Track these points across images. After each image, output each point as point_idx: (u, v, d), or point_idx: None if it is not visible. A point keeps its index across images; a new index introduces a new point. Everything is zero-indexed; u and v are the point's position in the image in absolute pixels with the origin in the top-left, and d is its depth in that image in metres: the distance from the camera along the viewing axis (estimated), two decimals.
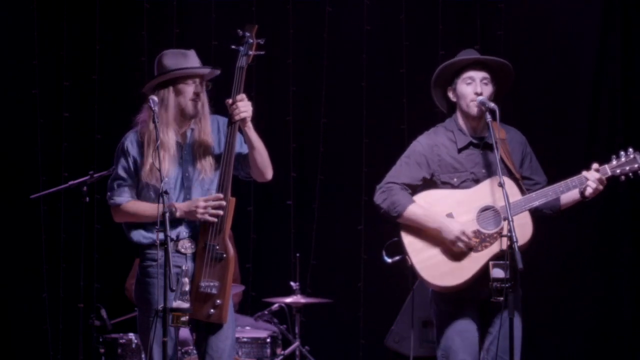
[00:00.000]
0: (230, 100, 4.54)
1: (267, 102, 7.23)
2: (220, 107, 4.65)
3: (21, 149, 7.20)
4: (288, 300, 6.42)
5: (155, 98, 4.51)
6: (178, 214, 4.50)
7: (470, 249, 4.67)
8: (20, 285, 7.15)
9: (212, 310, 4.51)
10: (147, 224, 4.59)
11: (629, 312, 6.93)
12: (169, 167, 4.57)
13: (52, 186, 6.32)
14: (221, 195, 4.53)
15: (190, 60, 4.64)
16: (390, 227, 4.86)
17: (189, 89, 4.61)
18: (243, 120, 4.53)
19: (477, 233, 4.68)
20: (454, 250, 4.69)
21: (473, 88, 4.78)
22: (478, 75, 4.79)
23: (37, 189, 6.62)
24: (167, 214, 4.30)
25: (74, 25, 7.29)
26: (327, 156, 7.23)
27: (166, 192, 4.34)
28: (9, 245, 7.13)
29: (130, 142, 4.65)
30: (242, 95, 4.54)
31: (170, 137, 4.57)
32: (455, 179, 4.80)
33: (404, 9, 7.17)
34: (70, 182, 5.92)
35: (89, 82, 7.26)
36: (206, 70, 4.65)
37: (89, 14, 7.26)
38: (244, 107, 4.52)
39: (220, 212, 4.52)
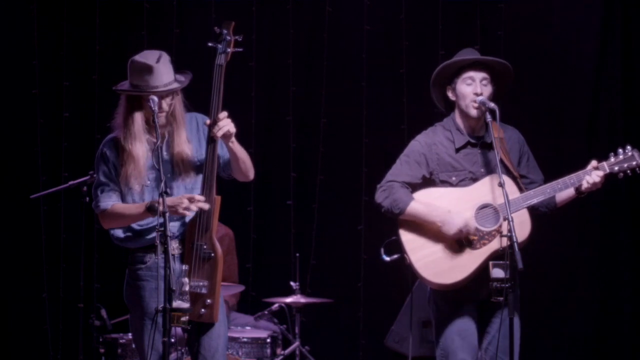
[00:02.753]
0: (208, 122, 4.46)
1: (267, 102, 7.23)
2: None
3: (21, 149, 7.20)
4: (288, 300, 6.42)
5: (156, 98, 4.47)
6: (161, 208, 4.45)
7: (471, 241, 4.67)
8: (20, 285, 7.15)
9: (203, 310, 4.49)
10: (135, 233, 4.56)
11: (629, 312, 6.93)
12: (142, 176, 4.52)
13: (52, 186, 6.33)
14: (204, 199, 4.47)
15: (155, 75, 4.51)
16: (391, 226, 4.86)
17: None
18: (226, 137, 4.46)
19: (475, 230, 4.69)
20: (457, 243, 4.70)
21: (473, 88, 4.79)
22: (478, 75, 4.80)
23: (37, 189, 6.62)
24: (167, 214, 4.28)
25: (74, 25, 7.29)
26: (327, 156, 7.23)
27: (166, 193, 4.32)
28: (9, 245, 7.13)
29: (108, 148, 4.62)
30: (224, 113, 4.46)
31: (138, 149, 4.52)
32: (453, 178, 4.82)
33: (404, 9, 7.17)
34: (70, 182, 5.93)
35: (89, 82, 7.26)
36: (165, 90, 4.51)
37: (89, 14, 7.26)
38: (227, 126, 4.44)
39: (196, 208, 4.46)
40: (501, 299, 4.48)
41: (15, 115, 7.23)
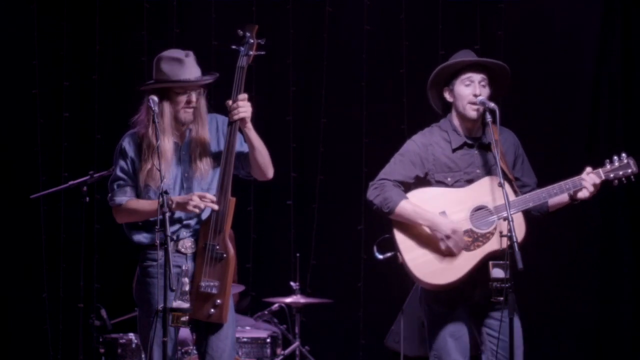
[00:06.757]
0: (230, 101, 4.54)
1: (267, 102, 7.23)
2: (220, 106, 4.65)
3: (21, 149, 7.21)
4: (288, 300, 6.43)
5: (156, 98, 4.51)
6: (174, 206, 4.48)
7: (458, 251, 4.67)
8: (20, 285, 7.15)
9: (212, 310, 4.51)
10: (148, 225, 4.59)
11: (629, 312, 6.93)
12: (168, 173, 4.56)
13: (52, 186, 6.32)
14: (215, 199, 4.51)
15: (186, 68, 4.58)
16: (390, 226, 4.86)
17: (182, 98, 4.59)
18: (242, 120, 4.53)
19: (469, 232, 4.69)
20: (442, 249, 4.70)
21: (472, 89, 4.79)
22: (477, 76, 4.80)
23: (37, 189, 6.62)
24: (167, 214, 4.30)
25: (74, 25, 7.29)
26: (327, 156, 7.23)
27: (166, 192, 4.34)
28: (9, 245, 7.13)
29: (128, 143, 4.65)
30: (244, 95, 4.54)
31: (166, 144, 4.56)
32: (449, 179, 4.82)
33: (404, 9, 7.18)
34: (70, 182, 5.92)
35: (89, 82, 7.27)
36: (197, 82, 4.60)
37: (89, 13, 7.26)
38: (244, 108, 4.52)
39: (204, 206, 4.50)
40: (501, 299, 4.48)
41: (15, 115, 7.23)
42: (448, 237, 4.67)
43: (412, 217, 4.75)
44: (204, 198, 4.48)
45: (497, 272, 4.52)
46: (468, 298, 4.75)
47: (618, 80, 7.01)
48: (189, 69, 4.60)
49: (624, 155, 4.76)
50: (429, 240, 4.74)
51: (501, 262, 4.51)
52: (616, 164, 4.74)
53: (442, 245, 4.69)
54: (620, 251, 6.96)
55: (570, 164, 4.92)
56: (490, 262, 4.57)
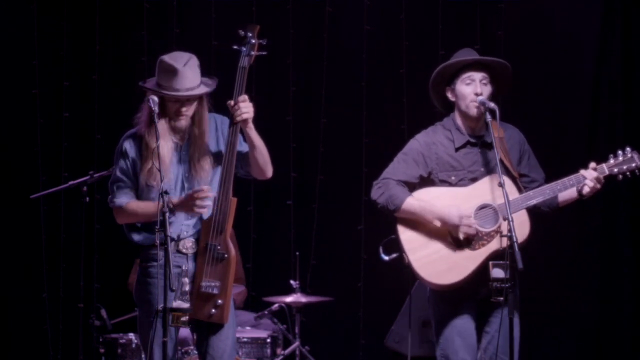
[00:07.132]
0: (232, 102, 4.54)
1: (267, 102, 7.23)
2: (220, 106, 4.64)
3: (21, 149, 7.20)
4: (288, 300, 6.43)
5: (156, 98, 4.50)
6: (161, 207, 4.46)
7: (471, 237, 4.67)
8: (20, 285, 7.15)
9: (213, 310, 4.52)
10: (147, 226, 4.59)
11: (629, 312, 6.93)
12: (168, 173, 4.56)
13: (52, 186, 6.32)
14: (210, 188, 4.51)
15: (179, 79, 4.51)
16: (390, 226, 4.86)
17: (174, 106, 4.57)
18: (244, 121, 4.53)
19: (474, 224, 4.69)
20: (455, 243, 4.69)
21: (473, 88, 4.79)
22: (478, 75, 4.80)
23: (37, 189, 6.62)
24: (167, 214, 4.30)
25: (74, 25, 7.29)
26: (327, 156, 7.23)
27: (166, 192, 4.33)
28: (9, 245, 7.13)
29: (128, 144, 4.65)
30: (244, 97, 4.53)
31: (164, 147, 4.54)
32: (453, 177, 4.82)
33: (404, 9, 7.18)
34: (70, 182, 5.93)
35: (89, 82, 7.26)
36: (186, 95, 4.54)
37: (89, 13, 7.26)
38: (246, 108, 4.52)
39: (201, 202, 4.50)
40: (501, 299, 4.48)
41: (15, 115, 7.23)
42: (458, 225, 4.66)
43: (419, 212, 4.75)
44: (201, 193, 4.47)
45: (497, 272, 4.53)
46: (474, 296, 4.75)
47: (618, 80, 7.01)
48: (182, 80, 4.53)
49: (628, 149, 4.76)
50: (434, 240, 4.75)
51: (501, 262, 4.51)
52: (620, 158, 4.75)
53: (457, 235, 4.69)
54: (620, 251, 6.96)
55: (570, 164, 4.91)
56: (490, 262, 4.58)
